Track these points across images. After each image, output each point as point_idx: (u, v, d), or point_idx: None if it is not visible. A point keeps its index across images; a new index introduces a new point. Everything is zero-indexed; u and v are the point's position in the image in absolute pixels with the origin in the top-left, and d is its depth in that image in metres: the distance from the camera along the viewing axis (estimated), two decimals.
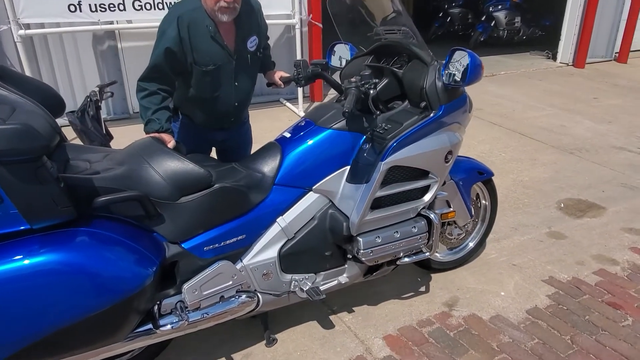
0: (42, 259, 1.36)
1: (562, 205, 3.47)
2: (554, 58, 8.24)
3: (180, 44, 1.98)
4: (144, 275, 1.54)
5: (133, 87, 5.05)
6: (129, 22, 4.73)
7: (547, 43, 8.77)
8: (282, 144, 2.00)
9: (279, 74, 2.39)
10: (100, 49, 4.93)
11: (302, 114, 5.44)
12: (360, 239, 1.96)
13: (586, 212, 3.36)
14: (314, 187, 1.98)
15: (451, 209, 2.40)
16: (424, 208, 2.09)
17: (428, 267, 2.59)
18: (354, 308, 2.38)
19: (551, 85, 6.86)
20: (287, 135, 2.04)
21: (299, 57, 5.37)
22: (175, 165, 1.69)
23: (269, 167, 1.95)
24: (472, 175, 2.43)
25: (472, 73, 1.78)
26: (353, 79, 1.87)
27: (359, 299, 2.42)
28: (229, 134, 2.37)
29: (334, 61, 2.49)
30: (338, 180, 2.00)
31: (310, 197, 1.99)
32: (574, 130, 5.08)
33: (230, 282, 1.83)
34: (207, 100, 2.15)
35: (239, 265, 1.87)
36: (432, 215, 2.08)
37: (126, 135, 2.98)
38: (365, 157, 1.94)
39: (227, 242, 1.81)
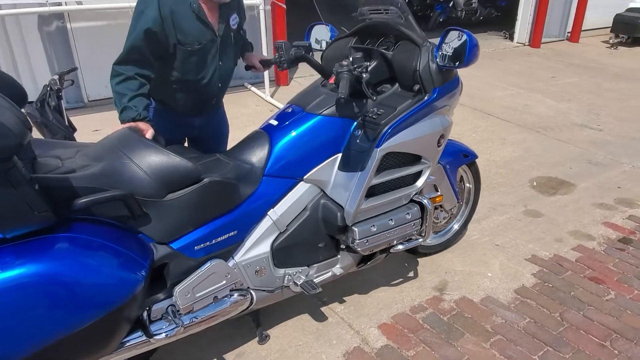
0: (18, 271, 1.20)
1: (535, 183, 3.55)
2: (511, 38, 8.42)
3: (161, 24, 1.82)
4: (134, 281, 1.40)
5: (87, 73, 4.75)
6: (79, 3, 4.39)
7: (503, 23, 8.94)
8: (269, 133, 1.89)
9: (258, 57, 2.26)
10: (47, 30, 4.54)
11: (269, 98, 5.28)
12: (356, 229, 1.89)
13: (558, 190, 3.45)
14: (305, 177, 1.88)
15: (439, 193, 2.37)
16: (416, 194, 2.05)
17: (415, 252, 2.57)
18: (344, 298, 2.32)
19: (511, 65, 7.00)
20: (274, 122, 1.93)
21: (263, 38, 5.19)
22: (160, 159, 1.54)
23: (257, 157, 1.84)
24: (458, 158, 2.41)
25: (471, 53, 1.73)
26: (345, 62, 1.77)
27: (349, 289, 2.37)
28: (206, 119, 2.23)
29: (312, 43, 2.38)
30: (330, 169, 1.91)
31: (301, 188, 1.89)
32: (537, 109, 5.20)
33: (224, 282, 1.72)
34: (192, 82, 2.01)
35: (231, 263, 1.76)
36: (424, 201, 2.04)
37: (83, 127, 2.76)
38: (358, 143, 1.86)
39: (219, 239, 1.70)
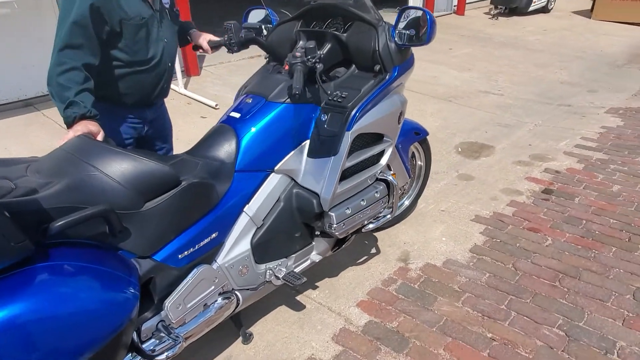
0: (3, 313, 1.03)
1: (460, 149, 3.81)
2: None
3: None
4: (128, 303, 1.28)
5: None
6: None
7: (395, 0, 9.34)
8: (234, 126, 1.80)
9: (206, 37, 2.13)
10: None
11: (183, 90, 5.02)
12: (332, 214, 1.89)
13: (481, 153, 3.74)
14: (275, 168, 1.84)
15: (392, 172, 2.45)
16: (381, 172, 2.09)
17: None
18: (316, 284, 2.33)
19: None
20: (236, 115, 1.84)
21: None
22: (132, 165, 1.40)
23: (225, 153, 1.75)
24: (410, 136, 2.48)
25: (432, 30, 1.78)
26: (298, 53, 1.72)
27: (319, 274, 2.38)
28: (156, 111, 2.07)
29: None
30: (299, 157, 1.88)
31: (273, 179, 1.84)
32: (444, 80, 5.56)
33: (213, 287, 1.64)
34: (143, 62, 1.84)
35: (215, 267, 1.68)
36: (389, 178, 2.10)
37: None
38: (326, 128, 1.84)
39: (202, 243, 1.60)
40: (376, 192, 2.06)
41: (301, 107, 1.85)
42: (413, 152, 2.68)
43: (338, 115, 1.83)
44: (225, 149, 1.75)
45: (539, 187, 3.18)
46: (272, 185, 1.84)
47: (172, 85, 5.31)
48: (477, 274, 2.36)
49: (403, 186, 2.66)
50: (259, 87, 1.92)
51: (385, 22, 1.89)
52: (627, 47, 7.22)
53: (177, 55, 2.11)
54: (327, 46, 1.94)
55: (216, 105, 4.63)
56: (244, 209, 1.77)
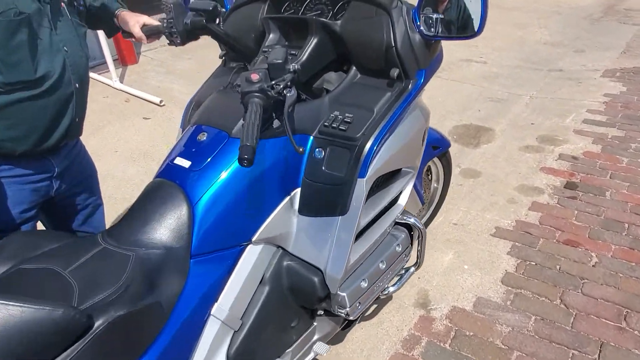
0: None
1: (455, 136, 3.26)
2: None
3: None
4: None
5: None
6: None
7: None
8: (181, 183, 1.14)
9: (139, 20, 1.40)
10: None
11: (118, 84, 4.18)
12: (344, 294, 1.29)
13: (479, 138, 3.21)
14: (254, 239, 1.20)
15: None
16: (401, 215, 1.49)
17: None
18: (317, 358, 1.75)
19: None
20: (185, 163, 1.17)
21: None
22: None
23: (172, 231, 1.09)
24: (427, 153, 1.85)
25: (484, 11, 1.16)
26: (254, 76, 1.04)
27: None
28: (67, 156, 1.37)
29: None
30: (287, 215, 1.25)
31: (250, 255, 1.21)
32: None
33: None
34: (31, 84, 1.16)
35: None
36: (412, 220, 1.50)
37: None
38: (325, 172, 1.21)
39: None
40: (397, 245, 1.46)
41: (283, 142, 1.20)
42: (429, 167, 2.08)
43: (342, 152, 1.20)
44: (171, 224, 1.10)
45: (560, 180, 2.68)
46: (250, 264, 1.21)
47: (103, 79, 4.45)
48: (520, 318, 1.85)
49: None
50: (216, 113, 1.25)
51: (401, 1, 1.24)
52: None
53: (90, 70, 1.38)
54: (312, 41, 1.28)
55: (161, 101, 3.85)
56: (212, 312, 1.14)
